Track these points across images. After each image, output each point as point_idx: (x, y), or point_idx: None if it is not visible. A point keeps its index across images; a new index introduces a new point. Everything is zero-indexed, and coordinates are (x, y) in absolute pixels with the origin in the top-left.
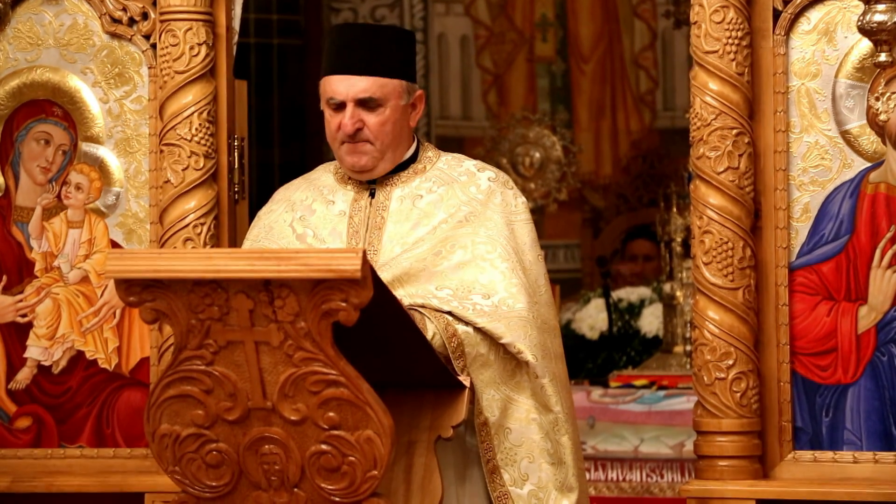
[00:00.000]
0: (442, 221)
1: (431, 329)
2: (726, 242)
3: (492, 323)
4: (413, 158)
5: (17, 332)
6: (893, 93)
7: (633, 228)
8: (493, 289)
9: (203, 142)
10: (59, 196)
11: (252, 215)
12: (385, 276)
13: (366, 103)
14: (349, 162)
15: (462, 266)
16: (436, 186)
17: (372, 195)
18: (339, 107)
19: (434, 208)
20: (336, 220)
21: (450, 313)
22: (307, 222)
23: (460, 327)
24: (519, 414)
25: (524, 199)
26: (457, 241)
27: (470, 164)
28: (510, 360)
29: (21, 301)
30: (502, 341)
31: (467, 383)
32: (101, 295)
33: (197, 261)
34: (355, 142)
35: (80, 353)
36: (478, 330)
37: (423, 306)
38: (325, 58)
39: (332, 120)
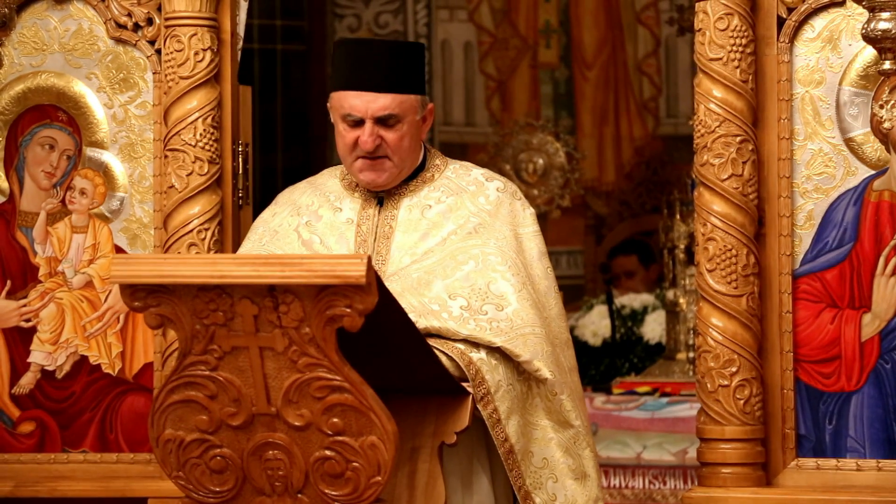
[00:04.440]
0: (451, 233)
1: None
2: (730, 249)
3: (510, 342)
4: (421, 167)
5: (21, 337)
6: None
7: (617, 244)
8: (506, 300)
9: (207, 147)
10: (63, 201)
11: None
12: (394, 287)
13: (385, 121)
14: (366, 178)
15: (473, 275)
16: (444, 196)
17: (380, 204)
18: (357, 123)
19: (443, 219)
20: (343, 227)
21: (465, 340)
22: (313, 228)
23: (475, 355)
24: (537, 435)
25: (532, 210)
26: (467, 253)
27: (478, 172)
28: (524, 382)
29: (25, 306)
30: (520, 360)
31: (471, 390)
32: (105, 300)
33: (202, 266)
34: (374, 158)
35: (84, 358)
36: (493, 351)
37: (437, 334)
38: (339, 72)
39: (346, 135)
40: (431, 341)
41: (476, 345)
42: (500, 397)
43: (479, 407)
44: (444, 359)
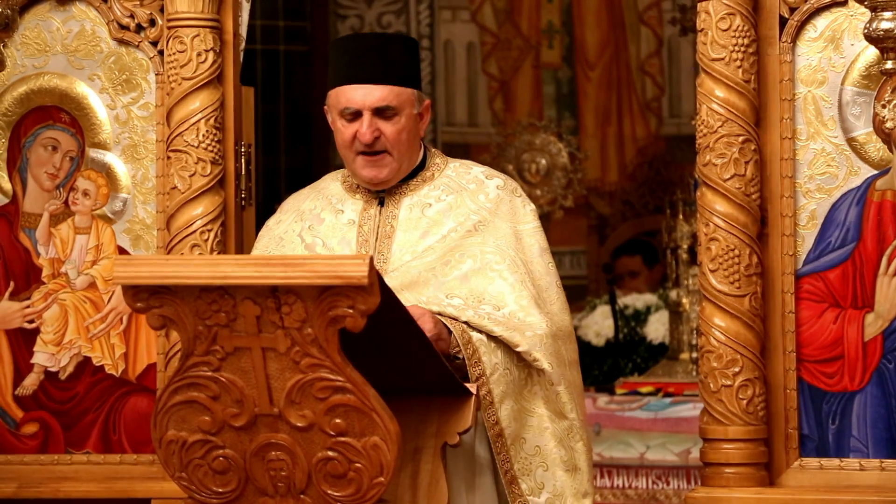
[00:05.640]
0: (451, 230)
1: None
2: (733, 249)
3: (508, 331)
4: (421, 166)
5: (25, 338)
6: None
7: (621, 244)
8: (503, 300)
9: (210, 148)
10: (66, 202)
11: (259, 222)
12: (393, 283)
13: (382, 112)
14: (367, 175)
15: (471, 275)
16: (444, 194)
17: (381, 204)
18: (355, 117)
19: (443, 217)
20: (345, 228)
21: (466, 323)
22: (316, 231)
23: (475, 335)
24: (532, 423)
25: (533, 206)
26: (466, 251)
27: (478, 170)
28: (523, 369)
29: (28, 307)
30: (518, 349)
31: (474, 390)
32: (108, 301)
33: (204, 267)
34: (373, 153)
35: (87, 359)
36: (492, 339)
37: (439, 314)
38: (336, 68)
39: (345, 130)
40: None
41: (478, 330)
42: (496, 380)
43: (468, 387)
44: (444, 331)
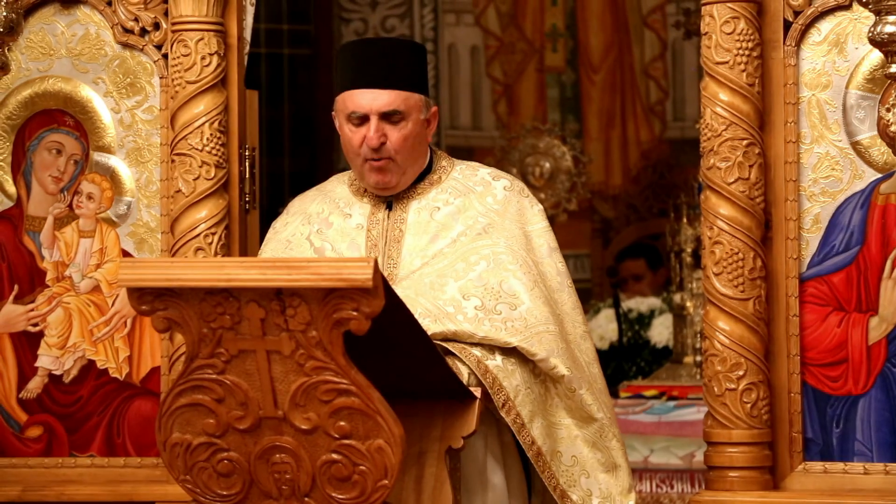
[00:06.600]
0: (461, 234)
1: (465, 371)
2: (737, 253)
3: (526, 341)
4: (428, 169)
5: (29, 342)
6: None
7: (625, 248)
8: (519, 299)
9: (214, 151)
10: (70, 206)
11: (263, 225)
12: (408, 291)
13: (389, 117)
14: (373, 180)
15: (485, 275)
16: (452, 198)
17: (389, 208)
18: (362, 121)
19: (452, 220)
20: (354, 233)
21: (479, 344)
22: (324, 235)
23: (490, 363)
24: (562, 434)
25: (540, 206)
26: (478, 253)
27: (485, 172)
28: (541, 384)
29: (32, 310)
30: (536, 358)
31: (478, 394)
32: (113, 304)
33: (209, 269)
34: (379, 157)
35: (91, 363)
36: (508, 355)
37: (453, 338)
38: (344, 73)
39: (353, 136)
40: (448, 345)
41: (491, 349)
42: (521, 402)
43: (503, 414)
44: (461, 367)
